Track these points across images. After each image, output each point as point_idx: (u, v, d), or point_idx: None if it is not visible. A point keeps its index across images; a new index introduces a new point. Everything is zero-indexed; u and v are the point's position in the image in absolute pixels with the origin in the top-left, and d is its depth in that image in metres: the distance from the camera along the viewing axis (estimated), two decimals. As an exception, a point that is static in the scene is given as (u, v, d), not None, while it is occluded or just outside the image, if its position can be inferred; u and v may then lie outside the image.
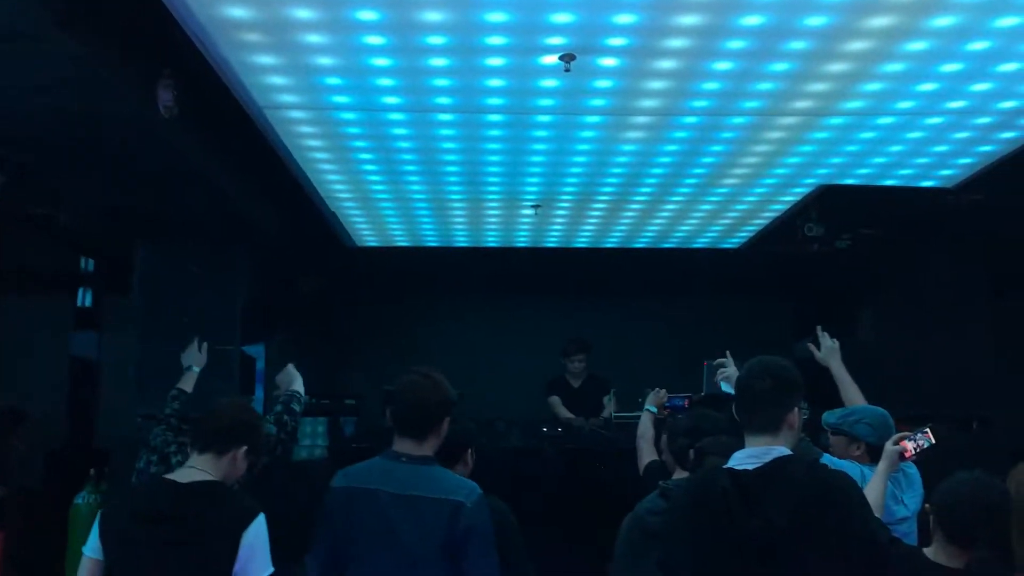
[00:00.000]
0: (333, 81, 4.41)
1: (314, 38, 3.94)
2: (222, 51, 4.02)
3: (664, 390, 5.07)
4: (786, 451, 2.66)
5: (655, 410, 4.84)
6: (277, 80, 4.37)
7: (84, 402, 7.50)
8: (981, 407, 6.46)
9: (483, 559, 2.84)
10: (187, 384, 4.65)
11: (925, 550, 2.96)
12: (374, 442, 6.86)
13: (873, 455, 3.84)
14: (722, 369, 4.44)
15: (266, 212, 6.18)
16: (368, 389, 7.55)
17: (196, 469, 2.94)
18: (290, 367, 4.29)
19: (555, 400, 7.40)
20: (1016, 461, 3.30)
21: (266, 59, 4.15)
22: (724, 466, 2.68)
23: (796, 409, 2.74)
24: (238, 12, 3.70)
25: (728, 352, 4.44)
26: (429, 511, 2.83)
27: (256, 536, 2.81)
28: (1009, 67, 4.16)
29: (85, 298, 7.99)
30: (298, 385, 4.15)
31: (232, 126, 4.77)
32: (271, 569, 2.85)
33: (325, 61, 4.18)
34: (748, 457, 2.65)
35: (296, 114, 4.81)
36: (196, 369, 4.77)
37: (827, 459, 3.63)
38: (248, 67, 4.22)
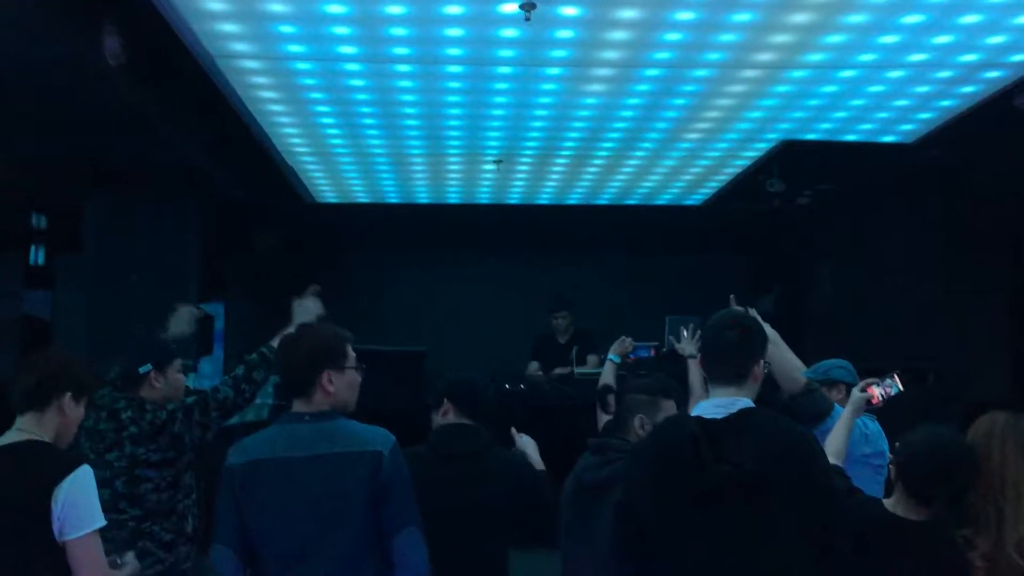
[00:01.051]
0: (287, 30, 4.29)
1: (266, -17, 3.83)
2: (170, -4, 3.89)
3: (630, 339, 4.85)
4: (750, 403, 2.67)
5: (618, 360, 4.63)
6: (229, 28, 4.24)
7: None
8: (936, 359, 6.55)
9: (405, 505, 2.71)
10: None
11: (885, 501, 2.98)
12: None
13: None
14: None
15: (220, 166, 6.04)
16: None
17: (19, 431, 2.74)
18: (308, 301, 3.85)
19: (532, 365, 7.39)
20: (968, 411, 3.34)
21: (216, 5, 4.02)
22: (691, 415, 2.69)
23: (761, 362, 2.74)
24: (185, -45, 3.57)
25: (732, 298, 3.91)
26: (347, 466, 2.69)
27: (72, 490, 2.61)
28: (971, 19, 4.15)
29: (38, 256, 7.81)
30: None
31: (183, 75, 4.64)
32: (101, 522, 2.66)
33: (278, 8, 4.06)
34: (714, 407, 2.66)
35: (249, 64, 4.68)
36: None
37: (839, 410, 3.63)
38: (198, 14, 4.09)
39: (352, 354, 2.85)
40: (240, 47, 4.46)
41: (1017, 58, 4.57)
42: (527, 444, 3.42)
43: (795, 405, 3.58)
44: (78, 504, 2.61)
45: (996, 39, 4.36)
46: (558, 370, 6.87)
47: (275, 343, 3.56)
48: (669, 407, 3.22)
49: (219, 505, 2.74)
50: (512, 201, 7.81)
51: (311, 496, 2.67)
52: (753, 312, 3.60)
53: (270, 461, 2.69)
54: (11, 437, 2.74)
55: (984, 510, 2.74)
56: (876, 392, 3.40)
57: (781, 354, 3.73)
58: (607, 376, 4.47)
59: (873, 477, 3.56)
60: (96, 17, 3.85)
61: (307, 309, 3.81)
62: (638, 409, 3.21)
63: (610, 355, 4.62)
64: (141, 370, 3.50)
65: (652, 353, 5.01)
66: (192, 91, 4.85)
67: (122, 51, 3.94)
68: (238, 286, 8.22)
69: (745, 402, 2.64)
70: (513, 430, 3.57)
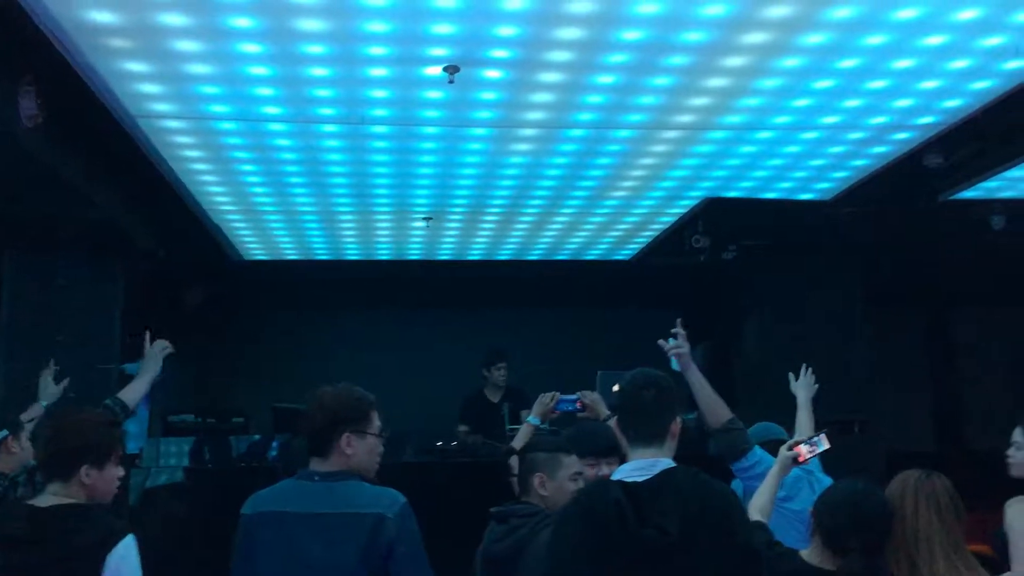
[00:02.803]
0: (210, 90, 4.28)
1: (187, 45, 3.81)
2: (88, 58, 3.85)
3: (556, 393, 4.60)
4: (671, 463, 2.69)
5: (537, 422, 4.41)
6: (150, 88, 4.21)
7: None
8: (861, 411, 6.68)
9: (414, 571, 2.71)
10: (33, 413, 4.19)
11: (802, 552, 3.02)
12: (263, 461, 6.79)
13: None
14: (676, 343, 3.87)
15: (144, 224, 5.95)
16: (259, 406, 7.35)
17: (52, 495, 2.79)
18: (149, 352, 3.95)
19: (461, 429, 7.31)
20: (893, 462, 3.43)
21: (136, 66, 3.99)
22: (613, 478, 2.69)
23: (677, 419, 2.77)
24: (104, 17, 3.54)
25: (679, 322, 3.96)
26: (344, 527, 2.70)
27: (122, 559, 2.65)
28: (878, 84, 4.32)
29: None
30: (140, 382, 3.88)
31: (103, 135, 4.58)
32: None
33: (200, 69, 4.04)
34: (635, 469, 2.67)
35: (172, 124, 4.65)
36: (44, 404, 4.32)
37: (759, 450, 3.69)
38: (118, 74, 4.05)
39: (377, 421, 2.89)
40: (162, 107, 4.42)
41: (924, 120, 4.76)
42: None
43: (716, 439, 3.64)
44: (124, 573, 2.64)
45: (903, 102, 4.54)
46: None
47: (124, 395, 3.61)
48: (571, 463, 3.16)
49: (234, 554, 2.81)
50: (443, 257, 7.82)
51: (308, 555, 2.70)
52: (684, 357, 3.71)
53: (274, 514, 2.77)
54: (50, 500, 2.75)
55: (898, 563, 2.81)
56: (803, 450, 3.45)
57: (705, 390, 3.82)
58: (519, 440, 4.26)
59: (785, 521, 3.60)
60: (12, 78, 3.78)
61: (154, 356, 3.94)
62: (537, 467, 3.14)
63: (529, 418, 4.45)
64: None
65: (577, 405, 4.89)
66: (113, 151, 4.79)
67: (39, 112, 3.87)
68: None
69: (666, 462, 2.66)
70: None
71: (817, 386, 4.44)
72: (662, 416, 2.70)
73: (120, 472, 2.89)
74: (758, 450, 3.67)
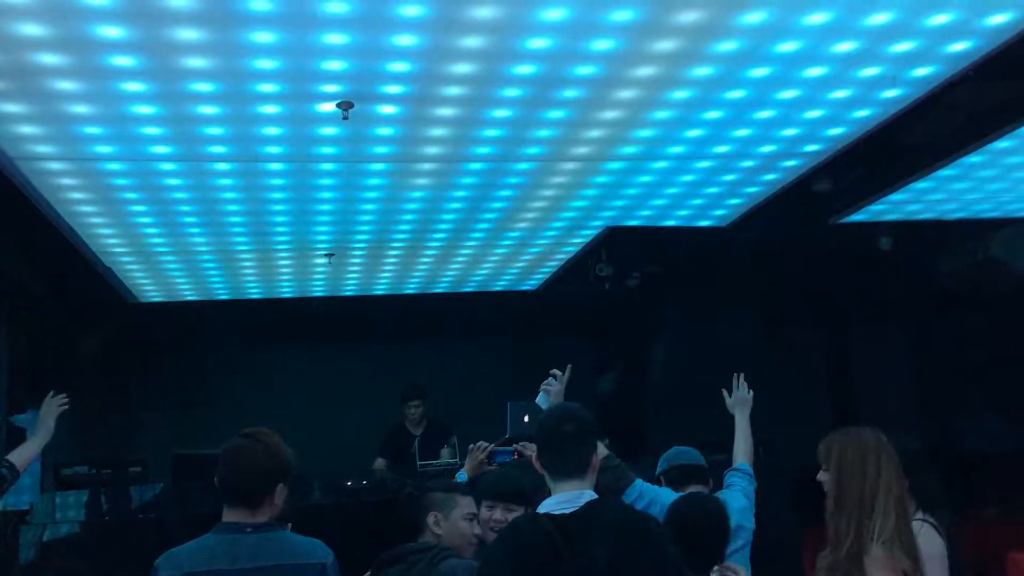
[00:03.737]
0: (93, 131, 4.13)
1: (66, 85, 3.68)
2: (-40, 99, 3.68)
3: (488, 445, 4.39)
4: (594, 494, 2.73)
5: (465, 478, 4.14)
6: (28, 129, 4.05)
7: None
8: (763, 432, 6.80)
9: None
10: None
11: None
12: (163, 511, 6.54)
13: (671, 481, 4.04)
14: (552, 381, 3.96)
15: (30, 270, 5.71)
16: (159, 453, 7.08)
17: None
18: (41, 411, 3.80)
19: (378, 461, 7.21)
20: (798, 480, 3.49)
21: (13, 107, 3.84)
22: (540, 512, 2.69)
23: (597, 451, 2.81)
24: (-26, 57, 3.40)
25: (569, 368, 4.02)
26: None
27: None
28: (764, 114, 4.45)
29: None
30: (32, 444, 3.74)
31: (-20, 179, 4.37)
32: None
33: (81, 109, 3.91)
34: (561, 502, 2.69)
35: (54, 165, 4.48)
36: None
37: (640, 483, 3.71)
38: (-7, 116, 3.88)
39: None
40: (43, 149, 4.26)
41: (811, 148, 4.91)
42: None
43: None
44: None
45: (789, 131, 4.68)
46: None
47: (14, 457, 3.49)
48: (466, 503, 3.20)
49: None
50: (348, 293, 7.72)
51: None
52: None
53: (208, 574, 2.65)
54: None
55: (845, 526, 2.82)
56: None
57: (737, 443, 4.13)
58: None
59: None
60: None
61: (47, 415, 3.85)
62: (433, 507, 3.16)
63: (459, 474, 4.24)
64: None
65: (515, 457, 4.77)
66: (-8, 195, 4.58)
67: (-93, 156, 3.68)
68: (57, 392, 7.72)
69: (590, 494, 2.70)
70: None
71: (752, 394, 4.42)
72: (583, 448, 2.75)
73: None
74: (638, 484, 3.71)
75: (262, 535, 2.74)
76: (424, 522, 3.15)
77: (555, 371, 3.93)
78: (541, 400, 3.99)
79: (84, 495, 6.68)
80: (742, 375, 4.40)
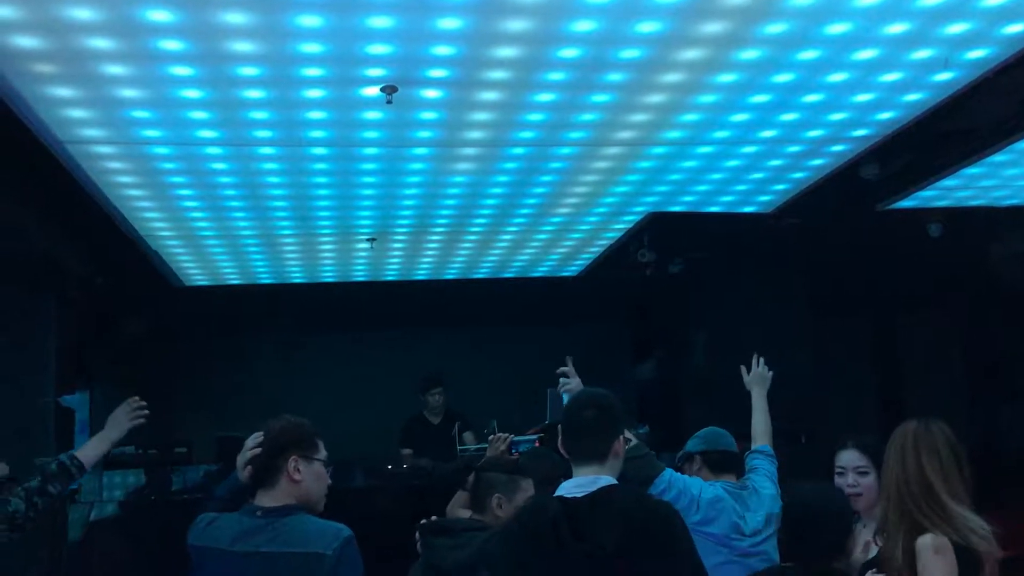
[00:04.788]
0: (141, 114, 4.18)
1: (115, 69, 3.72)
2: (13, 83, 3.73)
3: (508, 436, 4.30)
4: (612, 480, 2.72)
5: None
6: (78, 114, 4.10)
7: None
8: (806, 420, 6.74)
9: None
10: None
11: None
12: (207, 492, 6.63)
13: (710, 465, 3.95)
14: (564, 380, 4.03)
15: (79, 253, 5.80)
16: (203, 435, 7.19)
17: None
18: (117, 412, 3.65)
19: (405, 452, 7.24)
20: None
21: (64, 91, 3.88)
22: (554, 495, 2.70)
23: (620, 438, 2.80)
24: (26, 42, 3.44)
25: (570, 360, 4.07)
26: (283, 567, 2.62)
27: None
28: (813, 98, 4.37)
29: None
30: (100, 442, 3.71)
31: (32, 162, 4.44)
32: None
33: (130, 93, 3.95)
34: (576, 486, 2.70)
35: (103, 149, 4.53)
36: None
37: (669, 473, 3.67)
38: (44, 100, 3.94)
39: (322, 449, 2.86)
40: (92, 133, 4.31)
41: (859, 132, 4.82)
42: None
43: (625, 467, 3.62)
44: None
45: (838, 116, 4.60)
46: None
47: (82, 454, 3.44)
48: (529, 487, 3.21)
49: None
50: (389, 278, 7.75)
51: None
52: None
53: (213, 551, 2.71)
54: None
55: (890, 518, 2.79)
56: None
57: (754, 422, 4.07)
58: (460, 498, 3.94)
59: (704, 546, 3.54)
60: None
61: (120, 420, 3.65)
62: (496, 488, 3.18)
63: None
64: None
65: (536, 444, 4.72)
66: (42, 178, 4.65)
67: (-39, 139, 3.75)
68: (104, 374, 7.86)
69: (607, 480, 2.69)
70: None
71: (771, 374, 4.35)
72: (603, 435, 2.75)
73: None
74: (667, 474, 3.65)
75: (270, 519, 2.69)
76: (487, 502, 3.17)
77: (562, 369, 3.92)
78: (566, 399, 4.00)
79: (131, 476, 6.80)
80: (761, 357, 4.35)
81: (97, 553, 6.25)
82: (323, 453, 2.85)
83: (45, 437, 5.99)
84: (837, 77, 4.14)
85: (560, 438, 2.83)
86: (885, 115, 4.58)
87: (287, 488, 2.74)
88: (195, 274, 7.17)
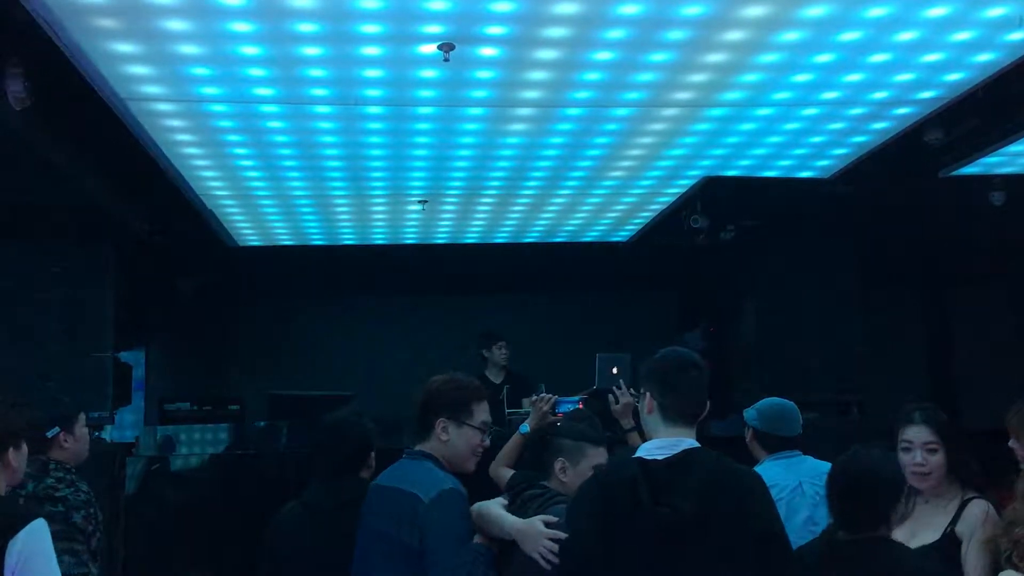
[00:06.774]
0: (200, 71, 4.20)
1: (176, 25, 3.74)
2: (76, 38, 3.77)
3: (551, 396, 4.17)
4: (695, 443, 2.69)
5: (527, 430, 4.01)
6: (139, 70, 4.13)
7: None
8: (856, 392, 6.66)
9: (440, 557, 2.79)
10: None
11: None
12: (261, 447, 6.75)
13: (761, 440, 3.86)
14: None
15: (136, 210, 5.87)
16: (256, 392, 7.30)
17: None
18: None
19: None
20: (892, 442, 3.37)
21: (125, 47, 3.91)
22: (634, 456, 2.68)
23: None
24: (90, -4, 3.47)
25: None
26: (397, 502, 2.89)
27: (26, 544, 2.54)
28: (879, 58, 4.26)
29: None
30: None
31: (92, 119, 4.50)
32: (58, 574, 2.61)
33: (190, 50, 3.97)
34: (658, 448, 2.66)
35: (163, 107, 4.57)
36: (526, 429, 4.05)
37: None
38: (106, 56, 3.97)
39: (481, 414, 3.06)
40: (152, 90, 4.35)
41: (925, 95, 4.70)
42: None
43: None
44: (31, 557, 2.55)
45: (904, 77, 4.48)
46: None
47: None
48: (596, 454, 3.15)
49: None
50: (439, 241, 7.76)
51: (372, 524, 2.98)
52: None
53: (374, 486, 3.11)
54: None
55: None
56: None
57: None
58: (507, 453, 4.00)
59: None
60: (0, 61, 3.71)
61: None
62: (561, 453, 3.16)
63: (521, 427, 4.09)
64: (49, 434, 3.45)
65: (580, 406, 4.69)
66: (102, 134, 4.71)
67: (27, 94, 3.80)
68: (159, 332, 8.00)
69: (690, 442, 2.66)
70: None
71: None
72: (703, 395, 2.73)
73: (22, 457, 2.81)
74: None
75: (406, 460, 3.01)
76: (551, 467, 3.15)
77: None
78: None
79: (184, 431, 6.94)
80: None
81: (154, 505, 6.40)
82: (479, 418, 3.03)
83: (104, 390, 6.10)
84: (906, 36, 4.03)
85: (654, 394, 2.70)
86: (954, 76, 4.45)
87: (434, 444, 3.00)
88: (249, 234, 7.24)
